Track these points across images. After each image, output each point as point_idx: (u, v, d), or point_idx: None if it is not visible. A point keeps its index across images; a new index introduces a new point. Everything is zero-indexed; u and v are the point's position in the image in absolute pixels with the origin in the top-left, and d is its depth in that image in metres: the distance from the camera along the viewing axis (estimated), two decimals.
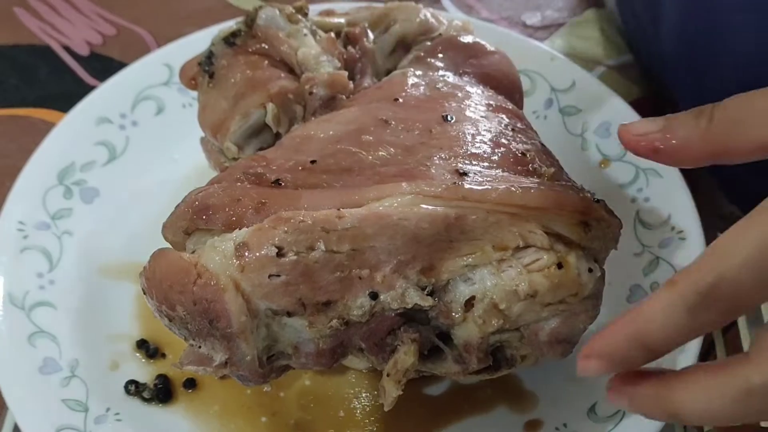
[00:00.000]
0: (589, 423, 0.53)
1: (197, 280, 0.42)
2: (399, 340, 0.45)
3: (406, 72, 0.55)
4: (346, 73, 0.55)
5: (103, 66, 0.77)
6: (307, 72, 0.55)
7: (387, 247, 0.42)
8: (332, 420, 0.55)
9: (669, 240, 0.60)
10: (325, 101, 0.54)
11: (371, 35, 0.59)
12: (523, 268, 0.43)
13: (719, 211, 0.68)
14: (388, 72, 0.58)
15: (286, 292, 0.42)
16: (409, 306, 0.43)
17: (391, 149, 0.48)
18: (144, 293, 0.45)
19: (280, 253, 0.42)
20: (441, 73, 0.55)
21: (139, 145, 0.68)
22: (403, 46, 0.59)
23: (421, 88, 0.53)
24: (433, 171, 0.46)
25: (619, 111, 0.67)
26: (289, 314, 0.43)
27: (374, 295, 0.43)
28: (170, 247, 0.47)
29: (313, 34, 0.58)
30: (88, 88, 0.72)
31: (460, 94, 0.53)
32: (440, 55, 0.57)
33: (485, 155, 0.48)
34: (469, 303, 0.44)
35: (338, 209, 0.43)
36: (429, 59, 0.57)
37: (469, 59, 0.57)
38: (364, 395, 0.56)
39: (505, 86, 0.57)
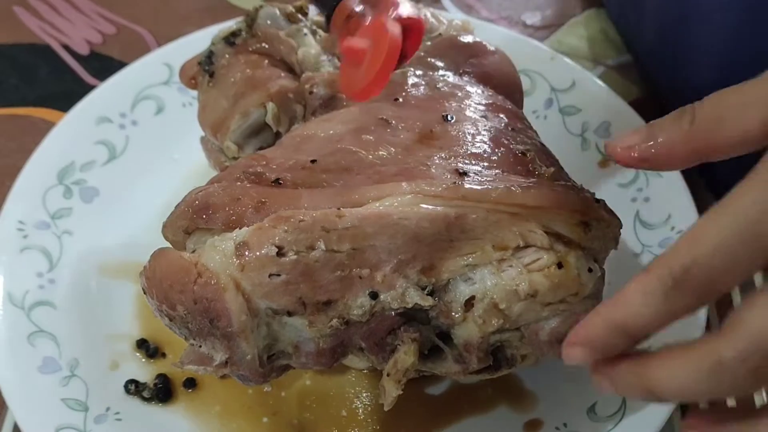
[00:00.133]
0: (589, 422, 0.53)
1: (197, 279, 0.42)
2: (399, 340, 0.45)
3: (406, 72, 0.55)
4: None
5: (103, 65, 0.77)
6: (307, 71, 0.55)
7: (387, 247, 0.42)
8: (334, 419, 0.55)
9: (669, 240, 0.60)
10: (325, 101, 0.54)
11: None
12: (523, 267, 0.43)
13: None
14: None
15: (286, 292, 0.42)
16: (410, 305, 0.43)
17: (391, 149, 0.48)
18: (144, 293, 0.45)
19: (281, 253, 0.42)
20: (441, 72, 0.55)
21: (139, 144, 0.68)
22: None
23: (422, 87, 0.53)
24: (434, 170, 0.46)
25: (619, 111, 0.67)
26: (290, 313, 0.43)
27: (374, 295, 0.43)
28: (170, 246, 0.47)
29: (313, 33, 0.58)
30: (88, 88, 0.72)
31: (460, 94, 0.53)
32: (440, 55, 0.57)
33: (485, 155, 0.48)
34: (470, 303, 0.44)
35: (338, 208, 0.43)
36: (429, 59, 0.57)
37: (469, 59, 0.57)
38: (364, 395, 0.56)
39: (505, 86, 0.57)
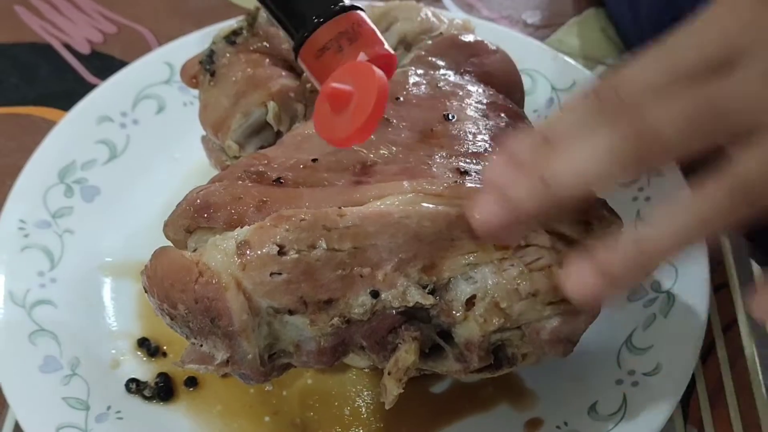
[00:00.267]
0: (590, 421, 0.53)
1: (199, 278, 0.42)
2: (400, 339, 0.45)
3: (407, 71, 0.55)
4: None
5: (104, 64, 0.77)
6: None
7: (388, 246, 0.42)
8: (337, 418, 0.55)
9: None
10: None
11: None
12: (524, 267, 0.43)
13: None
14: None
15: (287, 291, 0.42)
16: (411, 304, 0.43)
17: (393, 148, 0.48)
18: (145, 292, 0.45)
19: (282, 252, 0.42)
20: (442, 72, 0.55)
21: (140, 143, 0.68)
22: (404, 45, 0.59)
23: (423, 86, 0.53)
24: (435, 169, 0.46)
25: None
26: (291, 312, 0.43)
27: (375, 294, 0.43)
28: (171, 245, 0.47)
29: None
30: (89, 87, 0.72)
31: (461, 93, 0.53)
32: (441, 54, 0.57)
33: (486, 154, 0.48)
34: (470, 301, 0.44)
35: (339, 207, 0.43)
36: (430, 58, 0.57)
37: (470, 58, 0.57)
38: (366, 393, 0.56)
39: (506, 85, 0.57)
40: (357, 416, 0.55)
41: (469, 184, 0.44)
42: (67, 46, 0.79)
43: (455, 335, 0.45)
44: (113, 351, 0.58)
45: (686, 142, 0.36)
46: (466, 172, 0.45)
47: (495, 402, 0.55)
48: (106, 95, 0.69)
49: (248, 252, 0.42)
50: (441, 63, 0.56)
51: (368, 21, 0.48)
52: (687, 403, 0.56)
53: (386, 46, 0.48)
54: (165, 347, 0.58)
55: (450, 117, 0.50)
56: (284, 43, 0.57)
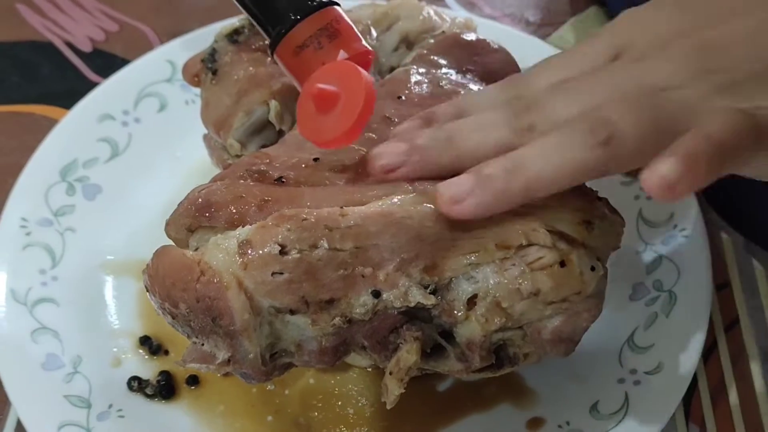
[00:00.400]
0: (592, 421, 0.53)
1: (200, 277, 0.42)
2: (401, 339, 0.45)
3: (408, 69, 0.55)
4: None
5: (106, 62, 0.77)
6: None
7: (390, 245, 0.42)
8: (341, 418, 0.55)
9: (672, 238, 0.60)
10: None
11: (374, 33, 0.59)
12: (526, 266, 0.43)
13: None
14: (391, 69, 0.58)
15: (289, 290, 0.42)
16: (412, 304, 0.43)
17: None
18: (147, 290, 0.45)
19: (283, 251, 0.42)
20: (444, 70, 0.55)
21: (141, 142, 0.68)
22: (406, 43, 0.59)
23: (424, 85, 0.53)
24: None
25: None
26: (292, 312, 0.43)
27: (377, 294, 0.43)
28: (173, 244, 0.47)
29: None
30: (90, 85, 0.72)
31: (463, 92, 0.53)
32: (443, 53, 0.57)
33: None
34: (472, 301, 0.44)
35: (341, 207, 0.43)
36: (432, 57, 0.56)
37: (472, 57, 0.57)
38: (367, 393, 0.56)
39: None
40: (361, 415, 0.55)
41: None
42: (69, 44, 0.79)
43: (457, 335, 0.45)
44: (115, 349, 0.58)
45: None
46: None
47: (497, 401, 0.55)
48: (108, 93, 0.69)
49: (250, 251, 0.42)
50: (443, 62, 0.56)
51: (345, 16, 0.48)
52: (689, 401, 0.56)
53: (364, 42, 0.47)
54: (167, 345, 0.58)
55: None
56: None
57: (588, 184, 0.48)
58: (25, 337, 0.56)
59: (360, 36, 0.47)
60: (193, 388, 0.56)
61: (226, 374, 0.53)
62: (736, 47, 0.36)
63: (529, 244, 0.43)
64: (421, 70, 0.55)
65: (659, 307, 0.57)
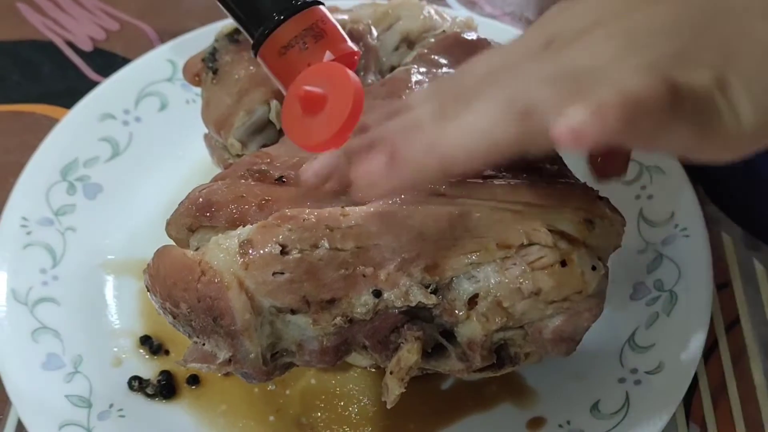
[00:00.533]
0: (592, 420, 0.53)
1: (201, 277, 0.42)
2: (402, 338, 0.45)
3: (409, 69, 0.55)
4: None
5: (107, 62, 0.77)
6: None
7: (391, 245, 0.42)
8: (343, 418, 0.55)
9: (672, 237, 0.60)
10: None
11: (375, 32, 0.59)
12: (526, 266, 0.43)
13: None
14: (392, 69, 0.58)
15: (290, 290, 0.42)
16: (413, 304, 0.43)
17: None
18: (147, 290, 0.45)
19: (284, 251, 0.42)
20: (445, 70, 0.55)
21: (142, 141, 0.68)
22: (407, 42, 0.59)
23: (425, 85, 0.53)
24: None
25: None
26: (293, 312, 0.43)
27: (378, 293, 0.43)
28: (174, 244, 0.47)
29: None
30: (91, 84, 0.72)
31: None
32: (444, 52, 0.57)
33: None
34: (473, 301, 0.44)
35: (342, 207, 0.43)
36: (433, 56, 0.56)
37: (473, 56, 0.57)
38: (368, 393, 0.56)
39: None
40: (363, 415, 0.55)
41: (471, 183, 0.44)
42: (70, 44, 0.79)
43: (458, 334, 0.45)
44: (115, 349, 0.58)
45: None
46: None
47: (497, 400, 0.55)
48: (109, 93, 0.69)
49: (251, 251, 0.42)
50: (444, 61, 0.56)
51: (330, 16, 0.47)
52: (690, 401, 0.56)
53: (350, 43, 0.47)
54: (167, 345, 0.58)
55: None
56: None
57: (589, 183, 0.48)
58: (26, 336, 0.56)
59: (346, 36, 0.47)
60: (193, 387, 0.56)
61: (227, 374, 0.53)
62: (660, 26, 0.36)
63: (530, 244, 0.43)
64: (422, 69, 0.55)
65: (660, 306, 0.57)
